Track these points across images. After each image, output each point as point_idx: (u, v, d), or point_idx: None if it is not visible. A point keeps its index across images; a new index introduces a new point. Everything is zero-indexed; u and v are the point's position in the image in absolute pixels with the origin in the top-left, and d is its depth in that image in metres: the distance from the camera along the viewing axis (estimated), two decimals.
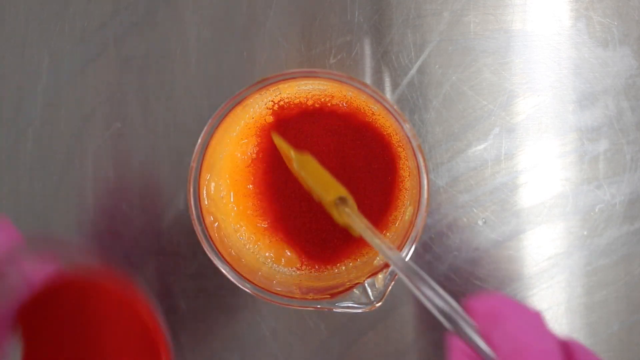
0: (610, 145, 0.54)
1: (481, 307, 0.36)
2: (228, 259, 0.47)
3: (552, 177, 0.54)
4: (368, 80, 0.53)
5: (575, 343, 0.35)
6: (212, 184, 0.49)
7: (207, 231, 0.47)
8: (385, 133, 0.49)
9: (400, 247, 0.46)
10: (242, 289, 0.47)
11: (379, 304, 0.46)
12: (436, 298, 0.36)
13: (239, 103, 0.46)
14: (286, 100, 0.49)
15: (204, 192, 0.48)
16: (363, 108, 0.49)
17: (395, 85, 0.54)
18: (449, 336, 0.37)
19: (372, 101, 0.47)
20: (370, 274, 0.46)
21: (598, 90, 0.54)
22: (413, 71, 0.53)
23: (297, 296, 0.47)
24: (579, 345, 0.35)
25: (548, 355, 0.34)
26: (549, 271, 0.55)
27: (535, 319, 0.35)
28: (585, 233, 0.55)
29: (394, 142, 0.49)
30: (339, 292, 0.46)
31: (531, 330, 0.35)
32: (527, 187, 0.54)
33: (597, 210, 0.55)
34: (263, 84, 0.46)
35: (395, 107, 0.46)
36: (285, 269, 0.50)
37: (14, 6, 0.55)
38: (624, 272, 0.55)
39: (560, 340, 0.35)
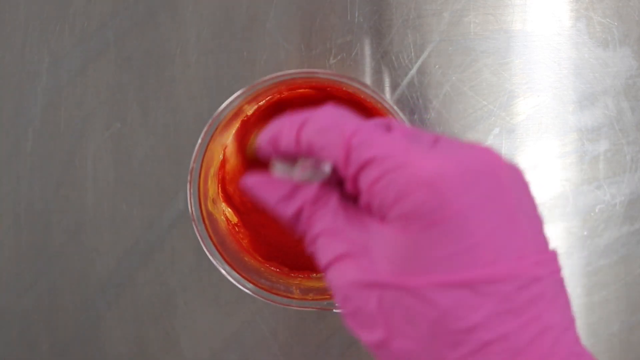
0: (610, 146, 0.54)
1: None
2: (228, 259, 0.47)
3: (552, 178, 0.54)
4: (368, 80, 0.53)
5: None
6: (212, 184, 0.49)
7: (207, 231, 0.47)
8: None
9: None
10: (242, 289, 0.47)
11: None
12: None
13: (238, 104, 0.47)
14: (284, 100, 0.49)
15: (204, 192, 0.48)
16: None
17: (395, 86, 0.54)
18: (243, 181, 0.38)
19: (372, 101, 0.47)
20: None
21: (598, 91, 0.54)
22: (413, 71, 0.53)
23: (296, 296, 0.47)
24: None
25: (377, 127, 0.34)
26: None
27: (336, 109, 0.36)
28: (585, 233, 0.55)
29: None
30: None
31: (339, 117, 0.35)
32: None
33: (597, 210, 0.55)
34: (262, 84, 0.46)
35: (395, 107, 0.46)
36: (285, 270, 0.50)
37: (14, 6, 0.55)
38: (624, 272, 0.55)
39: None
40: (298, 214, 0.36)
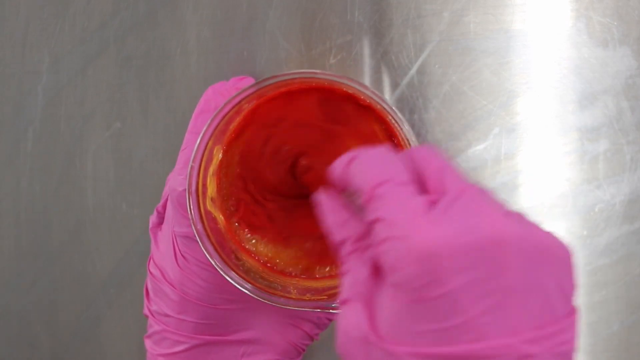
0: (610, 145, 0.54)
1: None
2: (226, 258, 0.47)
3: (552, 177, 0.54)
4: (368, 80, 0.53)
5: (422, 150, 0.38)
6: (211, 183, 0.49)
7: (206, 231, 0.47)
8: (384, 134, 0.49)
9: None
10: (239, 289, 0.47)
11: None
12: None
13: (237, 103, 0.47)
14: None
15: (203, 191, 0.48)
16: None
17: (395, 85, 0.54)
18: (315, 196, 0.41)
19: (372, 102, 0.47)
20: None
21: (598, 90, 0.54)
22: (413, 71, 0.53)
23: (294, 296, 0.47)
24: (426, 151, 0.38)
25: (402, 185, 0.36)
26: None
27: (383, 152, 0.38)
28: (585, 233, 0.55)
29: (393, 143, 0.49)
30: (336, 293, 0.46)
31: (379, 162, 0.37)
32: (527, 187, 0.54)
33: (597, 210, 0.55)
34: (262, 84, 0.46)
35: (394, 108, 0.46)
36: (284, 269, 0.50)
37: (14, 6, 0.55)
38: (624, 272, 0.55)
39: (410, 156, 0.38)
40: (342, 243, 0.38)
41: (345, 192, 0.40)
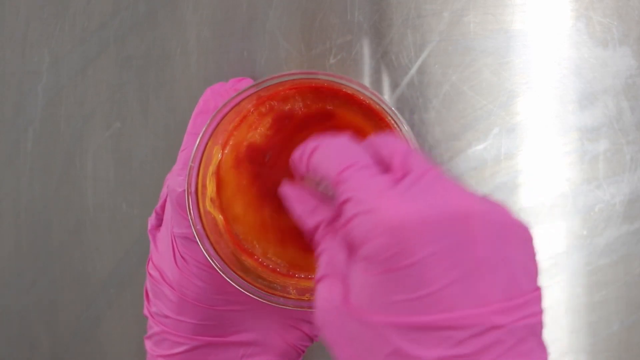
0: (610, 145, 0.54)
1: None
2: (225, 258, 0.47)
3: (552, 177, 0.54)
4: (368, 80, 0.53)
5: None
6: (210, 183, 0.49)
7: (205, 230, 0.47)
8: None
9: None
10: (238, 289, 0.47)
11: None
12: None
13: (237, 104, 0.47)
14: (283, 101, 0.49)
15: (202, 191, 0.48)
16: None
17: (395, 85, 0.54)
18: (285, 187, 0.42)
19: (371, 103, 0.47)
20: None
21: (598, 90, 0.54)
22: (413, 71, 0.53)
23: (293, 296, 0.47)
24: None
25: (365, 167, 0.37)
26: (549, 271, 0.55)
27: (342, 140, 0.39)
28: (585, 233, 0.55)
29: None
30: None
31: (340, 149, 0.39)
32: (527, 187, 0.54)
33: (597, 210, 0.55)
34: (261, 84, 0.46)
35: (393, 109, 0.46)
36: (283, 269, 0.50)
37: (14, 6, 0.55)
38: (624, 272, 0.55)
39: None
40: (315, 229, 0.39)
41: (307, 179, 0.41)
